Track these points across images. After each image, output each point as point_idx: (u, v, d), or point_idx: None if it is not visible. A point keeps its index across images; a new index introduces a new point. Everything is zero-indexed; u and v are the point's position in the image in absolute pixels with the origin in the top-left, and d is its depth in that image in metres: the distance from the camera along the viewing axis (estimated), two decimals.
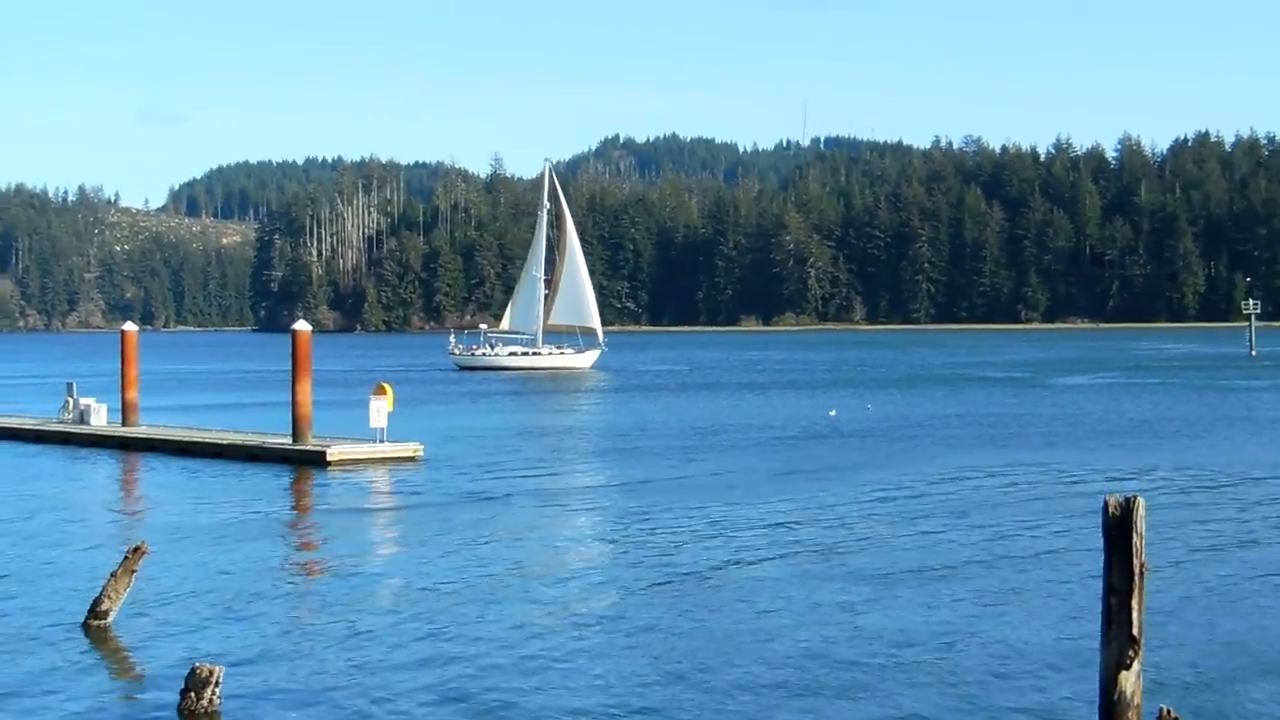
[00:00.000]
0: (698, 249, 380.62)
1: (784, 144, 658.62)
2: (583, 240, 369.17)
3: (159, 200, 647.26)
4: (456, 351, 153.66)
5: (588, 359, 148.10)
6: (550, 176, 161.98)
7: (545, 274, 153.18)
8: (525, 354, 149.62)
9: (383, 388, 57.08)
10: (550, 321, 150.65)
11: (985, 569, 31.45)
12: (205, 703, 20.55)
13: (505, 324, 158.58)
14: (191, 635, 25.60)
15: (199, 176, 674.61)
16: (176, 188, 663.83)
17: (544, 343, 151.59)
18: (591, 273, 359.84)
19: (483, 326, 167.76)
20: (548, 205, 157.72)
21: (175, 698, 20.83)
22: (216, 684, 20.68)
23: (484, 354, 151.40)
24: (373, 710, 20.88)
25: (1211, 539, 35.24)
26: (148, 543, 27.03)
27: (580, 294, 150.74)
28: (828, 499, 43.85)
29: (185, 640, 25.17)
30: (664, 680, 22.34)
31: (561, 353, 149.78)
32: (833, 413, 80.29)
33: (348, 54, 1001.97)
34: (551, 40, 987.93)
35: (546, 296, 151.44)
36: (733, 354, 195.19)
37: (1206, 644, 24.29)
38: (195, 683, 20.66)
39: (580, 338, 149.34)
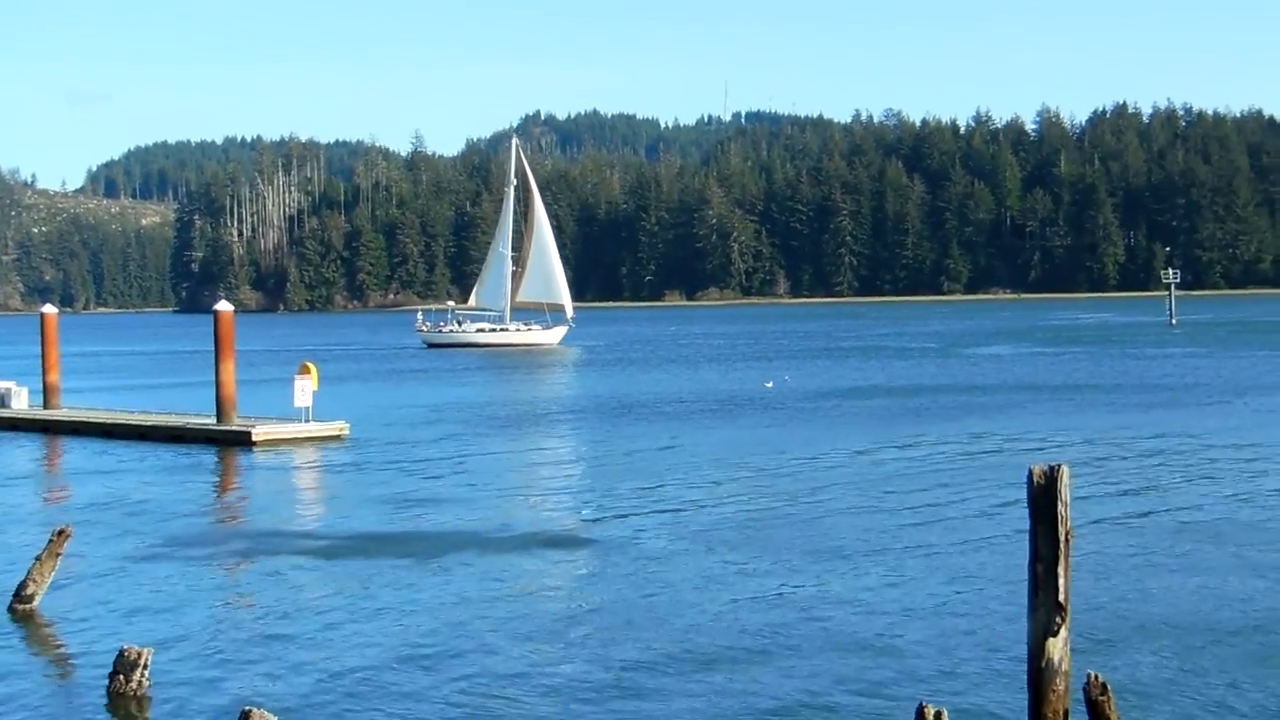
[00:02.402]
0: (620, 225, 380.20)
1: (705, 119, 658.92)
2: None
3: (76, 181, 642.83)
4: (424, 329, 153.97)
5: (555, 335, 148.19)
6: (517, 154, 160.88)
7: (513, 250, 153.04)
8: (493, 331, 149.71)
9: (307, 367, 56.81)
10: (519, 299, 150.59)
11: (909, 539, 31.61)
12: (134, 685, 20.43)
13: (473, 301, 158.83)
14: (118, 618, 25.47)
15: (117, 157, 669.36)
16: (94, 169, 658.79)
17: (511, 319, 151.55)
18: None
19: (450, 304, 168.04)
20: (514, 182, 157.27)
21: (104, 680, 20.71)
22: (145, 666, 20.56)
23: (451, 331, 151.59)
24: (300, 688, 20.84)
25: (1132, 504, 35.57)
26: (72, 526, 26.85)
27: (549, 271, 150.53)
28: (756, 472, 44.00)
29: (112, 623, 25.04)
30: (582, 651, 22.43)
31: (529, 329, 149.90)
32: (769, 384, 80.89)
33: (265, 32, 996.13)
34: (470, 16, 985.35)
35: (515, 274, 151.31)
36: (681, 328, 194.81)
37: (1133, 609, 24.52)
38: (124, 665, 20.54)
39: (548, 314, 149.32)
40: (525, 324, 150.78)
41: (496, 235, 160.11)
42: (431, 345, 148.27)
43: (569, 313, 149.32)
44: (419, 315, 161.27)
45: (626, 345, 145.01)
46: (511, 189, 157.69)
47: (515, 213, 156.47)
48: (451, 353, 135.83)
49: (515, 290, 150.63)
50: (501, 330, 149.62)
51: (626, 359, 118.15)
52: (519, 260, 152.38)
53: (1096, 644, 21.96)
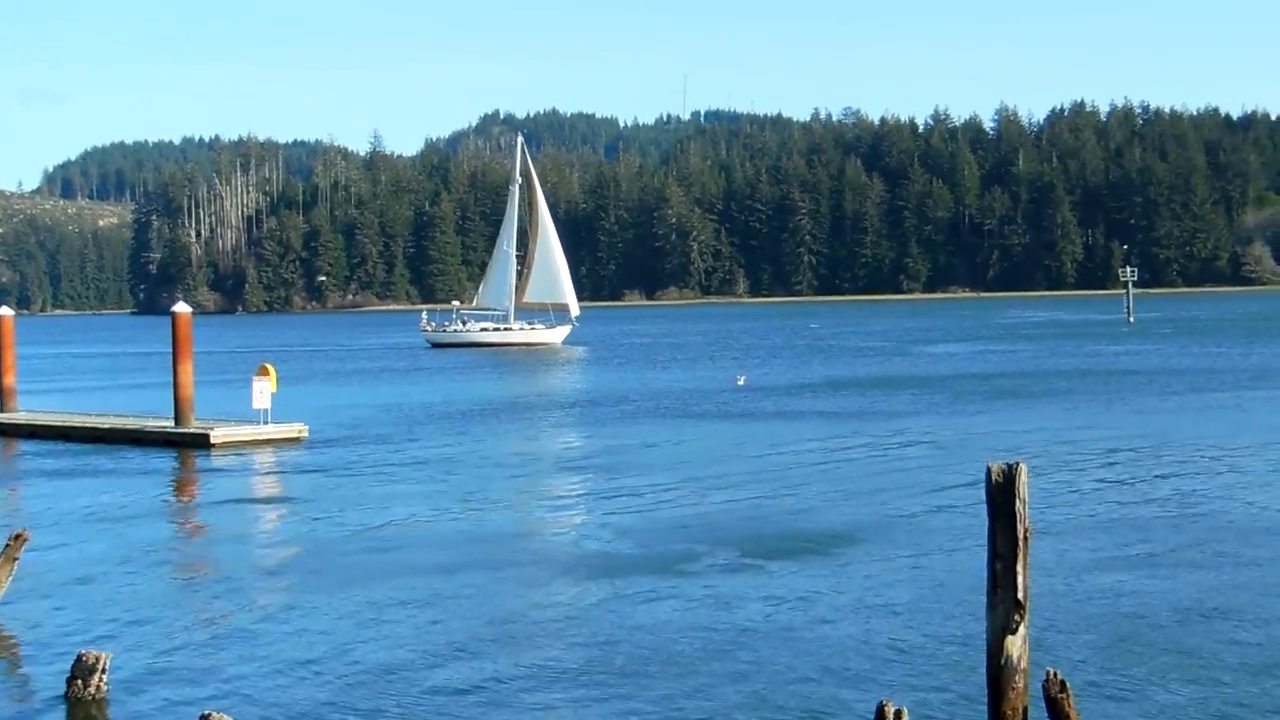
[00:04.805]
0: (580, 224, 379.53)
1: (664, 118, 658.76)
2: (464, 216, 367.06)
3: (33, 182, 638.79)
4: (428, 328, 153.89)
5: (559, 334, 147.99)
6: (522, 152, 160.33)
7: (518, 250, 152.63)
8: (497, 330, 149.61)
9: (265, 368, 56.65)
10: (525, 299, 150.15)
11: (868, 537, 31.68)
12: (93, 689, 20.35)
13: (477, 300, 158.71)
14: (76, 622, 25.34)
15: (74, 158, 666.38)
16: (51, 169, 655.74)
17: (515, 318, 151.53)
18: (473, 249, 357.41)
19: (456, 304, 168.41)
20: (519, 181, 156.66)
21: (62, 685, 20.62)
22: (103, 670, 20.49)
23: (456, 330, 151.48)
24: (259, 692, 20.78)
25: (1090, 502, 35.73)
26: (29, 530, 26.69)
27: (554, 271, 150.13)
28: (721, 471, 44.02)
29: (70, 627, 24.92)
30: (536, 654, 22.42)
31: (533, 328, 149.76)
32: (740, 380, 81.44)
33: (223, 32, 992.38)
34: (429, 15, 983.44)
35: (520, 273, 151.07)
36: (654, 327, 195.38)
37: (1091, 606, 24.61)
38: (82, 669, 20.46)
39: (552, 313, 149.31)
40: (529, 323, 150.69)
41: (501, 234, 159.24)
42: (436, 345, 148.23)
43: (574, 312, 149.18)
44: (423, 315, 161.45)
45: (620, 345, 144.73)
46: (515, 187, 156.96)
47: (520, 212, 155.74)
48: (453, 352, 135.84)
49: (522, 290, 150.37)
50: (505, 330, 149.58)
51: (618, 358, 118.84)
52: (524, 260, 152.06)
53: (1055, 642, 22.04)
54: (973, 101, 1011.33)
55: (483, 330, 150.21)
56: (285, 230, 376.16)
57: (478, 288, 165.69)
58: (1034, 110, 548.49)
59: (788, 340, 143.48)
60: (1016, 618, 16.07)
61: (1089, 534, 31.45)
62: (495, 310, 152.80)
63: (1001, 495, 16.14)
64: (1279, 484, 38.42)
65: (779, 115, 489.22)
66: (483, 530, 34.47)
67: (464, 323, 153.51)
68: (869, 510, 35.57)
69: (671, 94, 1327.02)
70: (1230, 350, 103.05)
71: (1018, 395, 69.57)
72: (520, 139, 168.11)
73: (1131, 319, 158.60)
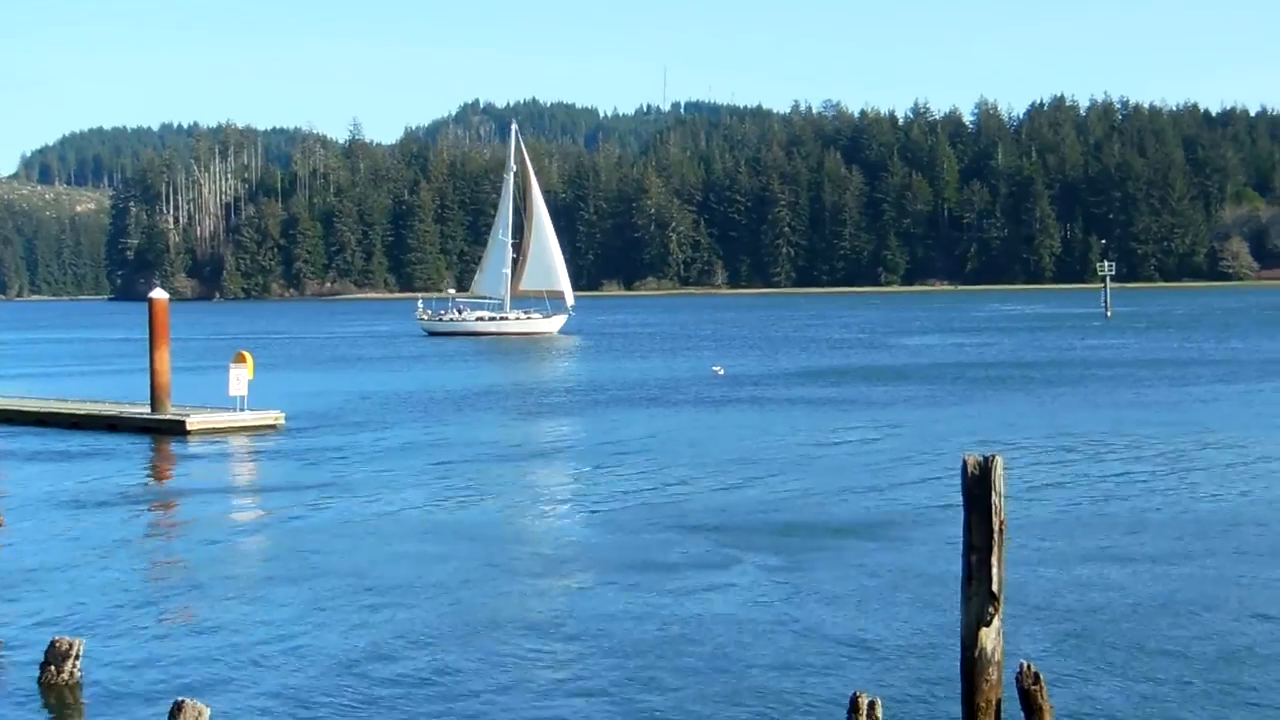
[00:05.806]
0: (558, 214, 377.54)
1: (644, 109, 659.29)
2: (442, 205, 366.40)
3: (10, 167, 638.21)
4: (424, 317, 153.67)
5: (555, 323, 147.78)
6: (517, 141, 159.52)
7: (514, 238, 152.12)
8: (493, 319, 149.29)
9: (242, 356, 56.52)
10: (521, 288, 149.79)
11: (843, 528, 31.71)
12: (66, 675, 20.31)
13: (473, 289, 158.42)
14: (50, 608, 25.26)
15: (51, 143, 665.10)
16: (29, 154, 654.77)
17: (511, 307, 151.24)
18: (452, 238, 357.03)
19: (451, 291, 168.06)
20: (514, 169, 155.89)
21: (35, 671, 20.58)
22: (77, 656, 20.45)
23: (452, 319, 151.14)
24: (233, 678, 20.75)
25: (1066, 496, 35.80)
26: (3, 515, 26.62)
27: (549, 259, 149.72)
28: (698, 461, 44.05)
29: (44, 613, 24.84)
30: (503, 647, 22.42)
31: (529, 317, 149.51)
32: (720, 371, 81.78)
33: (202, 18, 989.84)
34: (409, 3, 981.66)
35: (515, 262, 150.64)
36: (638, 315, 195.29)
37: (1065, 599, 24.66)
38: (55, 655, 20.41)
39: (548, 302, 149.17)
40: (525, 312, 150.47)
41: (496, 222, 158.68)
42: (432, 333, 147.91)
43: (569, 301, 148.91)
44: (419, 303, 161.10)
45: (616, 334, 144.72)
46: (510, 175, 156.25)
47: (515, 200, 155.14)
48: (448, 341, 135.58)
49: (518, 279, 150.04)
50: (501, 319, 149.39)
51: (611, 347, 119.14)
52: (519, 248, 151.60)
53: (1030, 635, 22.07)
54: (953, 95, 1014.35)
55: (479, 319, 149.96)
56: (263, 217, 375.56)
57: (455, 276, 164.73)
58: (1014, 104, 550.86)
59: (776, 333, 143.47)
60: (991, 610, 16.10)
61: (1059, 526, 31.50)
62: (491, 299, 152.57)
63: (978, 487, 16.17)
64: (1248, 476, 38.56)
65: (759, 107, 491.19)
66: (457, 519, 34.44)
67: (460, 311, 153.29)
68: (843, 501, 35.61)
69: (651, 85, 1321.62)
70: (1205, 344, 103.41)
71: (994, 387, 69.72)
72: (514, 127, 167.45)
73: (1109, 313, 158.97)
